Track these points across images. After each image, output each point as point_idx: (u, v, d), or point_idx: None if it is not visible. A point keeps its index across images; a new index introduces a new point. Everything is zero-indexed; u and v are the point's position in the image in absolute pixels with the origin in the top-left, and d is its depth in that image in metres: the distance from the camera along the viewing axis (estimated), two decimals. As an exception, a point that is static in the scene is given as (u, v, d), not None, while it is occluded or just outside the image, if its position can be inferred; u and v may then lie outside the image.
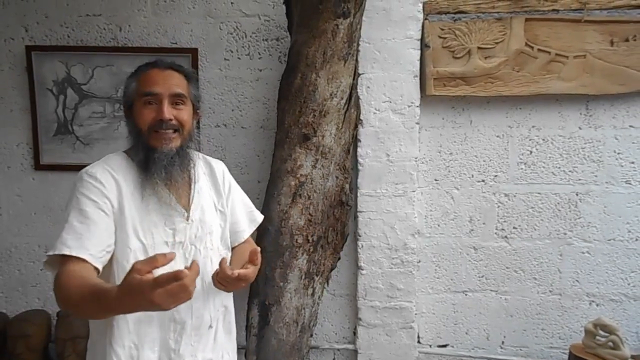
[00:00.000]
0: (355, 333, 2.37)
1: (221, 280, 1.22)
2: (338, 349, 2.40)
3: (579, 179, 2.30)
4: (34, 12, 2.30)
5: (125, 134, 2.42)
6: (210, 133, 2.36)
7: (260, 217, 1.55)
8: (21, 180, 2.38)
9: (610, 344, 1.96)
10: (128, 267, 1.12)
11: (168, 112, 1.24)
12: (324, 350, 2.41)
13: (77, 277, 1.09)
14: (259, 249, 1.25)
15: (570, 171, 2.30)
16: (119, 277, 1.19)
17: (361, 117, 2.23)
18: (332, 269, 2.19)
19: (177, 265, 1.21)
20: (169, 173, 1.25)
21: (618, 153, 2.28)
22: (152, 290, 0.90)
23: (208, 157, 1.46)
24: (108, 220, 1.19)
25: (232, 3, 2.30)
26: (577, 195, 2.31)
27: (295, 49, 2.00)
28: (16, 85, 2.34)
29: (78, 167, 2.34)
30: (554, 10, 2.19)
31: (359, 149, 2.25)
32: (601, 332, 2.00)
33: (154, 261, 0.93)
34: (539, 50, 2.19)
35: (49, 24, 2.31)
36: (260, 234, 2.02)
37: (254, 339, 1.98)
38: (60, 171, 2.36)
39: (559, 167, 2.31)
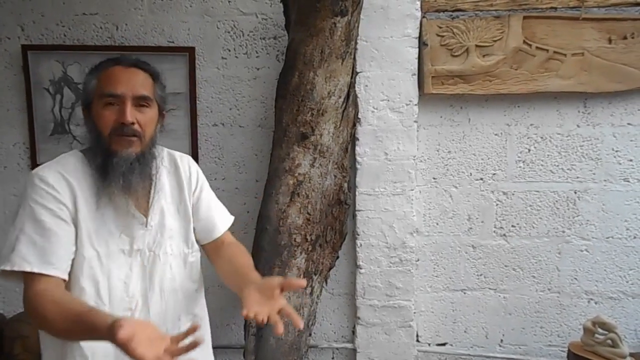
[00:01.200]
0: (354, 332, 2.37)
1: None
2: (337, 348, 2.40)
3: (577, 177, 2.30)
4: (30, 11, 2.29)
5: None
6: (207, 132, 2.35)
7: (230, 217, 1.44)
8: (18, 180, 2.36)
9: (609, 341, 1.95)
10: (82, 278, 1.12)
11: (131, 115, 1.15)
12: (322, 350, 2.40)
13: (53, 301, 1.04)
14: (303, 283, 1.12)
15: (568, 169, 2.30)
16: (72, 283, 1.13)
17: (359, 116, 2.22)
18: (330, 268, 2.19)
19: (133, 274, 1.19)
20: (128, 181, 1.16)
21: (616, 151, 2.28)
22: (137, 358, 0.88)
23: (174, 153, 1.37)
24: (68, 227, 1.12)
25: (229, 1, 2.29)
26: (575, 193, 2.31)
27: (292, 47, 2.00)
28: (12, 84, 2.32)
29: (75, 167, 2.33)
30: (552, 8, 2.19)
31: (357, 148, 2.25)
32: (600, 330, 2.00)
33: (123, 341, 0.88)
34: (537, 48, 2.18)
35: (45, 22, 2.30)
36: (258, 233, 2.02)
37: (252, 338, 1.97)
38: (57, 171, 2.34)
39: (557, 165, 2.30)
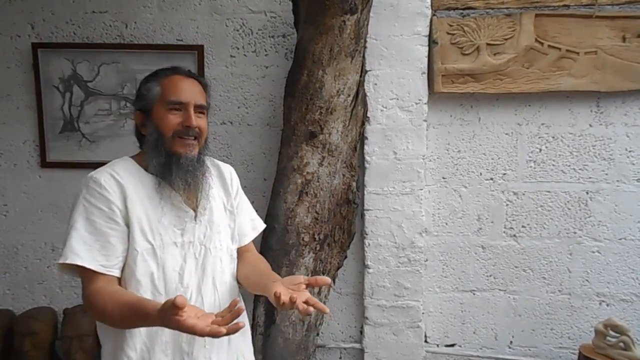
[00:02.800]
0: (361, 332, 2.35)
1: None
2: (345, 348, 2.39)
3: (590, 177, 2.27)
4: (40, 9, 2.30)
5: (130, 131, 2.41)
6: (216, 130, 2.35)
7: (261, 226, 1.55)
8: (27, 177, 2.38)
9: (621, 344, 1.93)
10: (135, 269, 1.20)
11: (195, 120, 1.27)
12: (330, 349, 2.39)
13: (109, 295, 1.13)
14: (328, 280, 1.19)
15: (580, 169, 2.27)
16: (127, 276, 1.21)
17: (368, 115, 2.21)
18: (338, 268, 2.18)
19: (187, 265, 1.26)
20: (190, 177, 1.27)
21: (629, 151, 2.25)
22: (188, 330, 0.97)
23: (215, 160, 1.47)
24: (118, 227, 1.20)
25: (238, 0, 2.29)
26: (587, 193, 2.28)
27: (301, 45, 1.99)
28: (22, 82, 2.33)
29: (84, 165, 2.35)
30: (564, 5, 2.16)
31: (365, 147, 2.23)
32: (612, 333, 1.97)
33: (179, 306, 0.95)
34: (549, 46, 2.16)
35: (55, 21, 2.31)
36: (266, 232, 2.01)
37: (260, 337, 1.97)
38: (66, 168, 2.35)
39: (569, 165, 2.28)
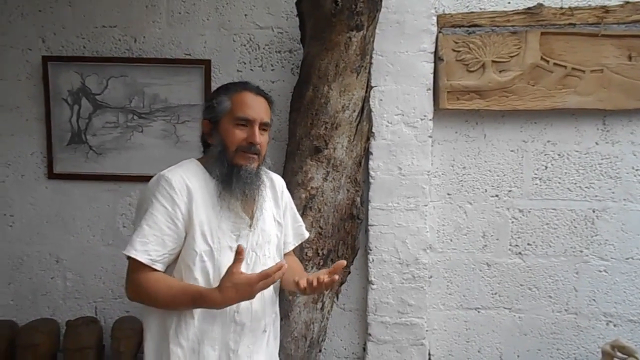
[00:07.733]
0: (364, 349, 2.33)
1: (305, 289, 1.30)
2: (347, 365, 2.37)
3: (596, 195, 2.26)
4: (51, 23, 2.34)
5: (137, 143, 2.42)
6: (221, 144, 2.36)
7: (306, 234, 1.63)
8: (34, 188, 2.40)
9: (629, 366, 1.90)
10: (194, 268, 1.30)
11: (259, 137, 1.34)
12: (332, 366, 2.37)
13: (158, 280, 1.26)
14: (344, 263, 1.31)
15: (586, 187, 2.26)
16: (185, 275, 1.29)
17: (373, 130, 2.21)
18: (342, 283, 2.16)
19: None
20: (248, 190, 1.35)
21: (636, 169, 2.24)
22: (257, 282, 1.16)
23: (269, 172, 1.53)
24: (175, 229, 1.28)
25: (245, 15, 2.32)
26: (593, 212, 2.26)
27: (307, 61, 2.00)
28: (32, 94, 2.36)
29: (90, 177, 2.37)
30: (570, 24, 2.16)
31: (370, 162, 2.23)
32: (619, 354, 1.94)
33: (240, 259, 1.16)
34: (554, 64, 2.16)
35: (65, 34, 2.34)
36: (270, 247, 2.00)
37: (261, 353, 1.95)
38: (72, 180, 2.37)
39: (575, 183, 2.26)
